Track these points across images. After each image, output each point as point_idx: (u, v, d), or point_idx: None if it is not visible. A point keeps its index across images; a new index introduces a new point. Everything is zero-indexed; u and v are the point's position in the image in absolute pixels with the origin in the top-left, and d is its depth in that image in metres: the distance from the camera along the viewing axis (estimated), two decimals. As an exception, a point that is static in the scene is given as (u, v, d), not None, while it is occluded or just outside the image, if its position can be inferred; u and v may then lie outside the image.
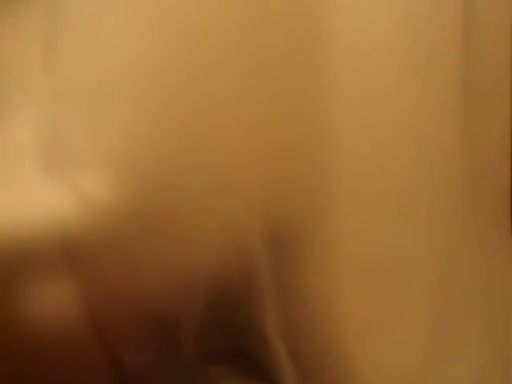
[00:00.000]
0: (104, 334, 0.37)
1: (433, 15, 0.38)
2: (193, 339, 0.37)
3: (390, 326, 0.39)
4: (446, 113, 0.39)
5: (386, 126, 0.38)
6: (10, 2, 0.36)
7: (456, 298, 0.40)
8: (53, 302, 0.36)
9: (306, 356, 0.38)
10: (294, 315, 0.38)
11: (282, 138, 0.37)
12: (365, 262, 0.38)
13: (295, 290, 0.38)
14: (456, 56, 0.38)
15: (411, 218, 0.39)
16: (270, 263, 0.37)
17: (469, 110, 0.39)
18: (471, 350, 0.40)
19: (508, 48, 0.40)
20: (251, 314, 0.37)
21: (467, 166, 0.39)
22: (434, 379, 0.39)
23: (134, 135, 0.36)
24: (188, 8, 0.37)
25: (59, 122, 0.36)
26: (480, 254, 0.40)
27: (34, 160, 0.36)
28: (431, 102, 0.39)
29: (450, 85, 0.39)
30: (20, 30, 0.36)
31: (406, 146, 0.38)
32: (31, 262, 0.36)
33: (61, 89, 0.36)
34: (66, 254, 0.36)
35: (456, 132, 0.39)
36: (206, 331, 0.37)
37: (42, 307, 0.36)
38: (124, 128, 0.36)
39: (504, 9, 0.40)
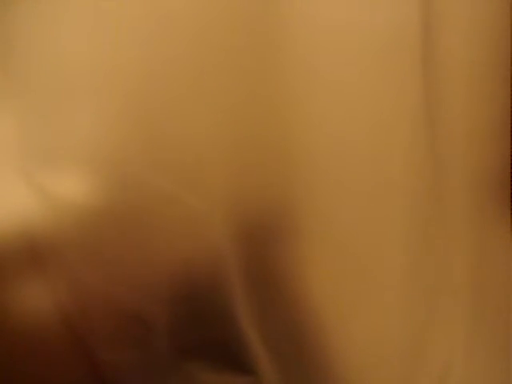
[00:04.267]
0: (77, 331, 0.37)
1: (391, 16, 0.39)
2: (166, 334, 0.37)
3: (366, 309, 0.39)
4: (408, 106, 0.39)
5: (349, 117, 0.38)
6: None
7: (429, 282, 0.39)
8: (23, 300, 0.37)
9: (281, 344, 0.38)
10: (266, 304, 0.38)
11: (245, 132, 0.38)
12: (338, 248, 0.38)
13: (266, 280, 0.38)
14: (416, 56, 0.39)
15: (386, 204, 0.39)
16: (238, 255, 0.37)
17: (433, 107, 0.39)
18: (448, 330, 0.39)
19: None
20: (222, 305, 0.37)
21: (431, 156, 0.39)
22: (414, 361, 0.39)
23: (100, 135, 0.37)
24: (149, 7, 0.37)
25: (25, 124, 0.37)
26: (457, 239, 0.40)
27: (3, 162, 0.37)
28: (391, 92, 0.39)
29: (410, 76, 0.39)
30: None
31: (370, 133, 0.38)
32: None
33: (22, 91, 0.37)
34: (34, 252, 0.36)
35: (418, 120, 0.39)
36: (179, 326, 0.37)
37: (13, 306, 0.36)
38: (89, 128, 0.37)
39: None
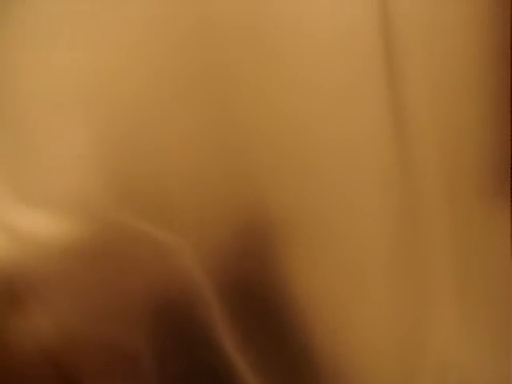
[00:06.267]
0: (62, 369, 0.37)
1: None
2: (152, 362, 0.38)
3: (359, 316, 0.39)
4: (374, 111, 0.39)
5: (314, 121, 0.39)
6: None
7: (419, 279, 0.40)
8: (5, 343, 0.37)
9: (270, 365, 0.39)
10: (251, 327, 0.38)
11: (213, 161, 0.38)
12: (324, 258, 0.39)
13: (248, 302, 0.38)
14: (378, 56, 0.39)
15: (373, 200, 0.39)
16: (213, 282, 0.38)
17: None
18: (443, 325, 0.40)
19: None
20: (204, 333, 0.38)
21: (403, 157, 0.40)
22: (412, 355, 0.40)
23: (68, 174, 0.37)
24: (125, 20, 0.37)
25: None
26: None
27: None
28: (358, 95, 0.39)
29: (375, 79, 0.39)
30: None
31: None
32: None
33: None
34: (12, 292, 0.36)
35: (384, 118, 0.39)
36: (165, 355, 0.38)
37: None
38: (58, 168, 0.37)
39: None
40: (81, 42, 0.37)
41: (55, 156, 0.37)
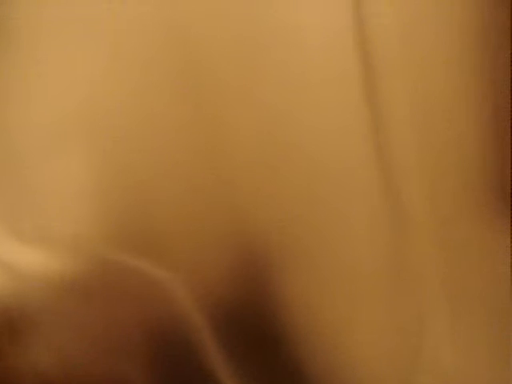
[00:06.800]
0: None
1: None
2: None
3: (358, 335, 0.40)
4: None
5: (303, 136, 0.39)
6: None
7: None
8: (6, 375, 0.38)
9: None
10: (245, 355, 0.39)
11: (207, 174, 0.38)
12: (317, 277, 0.39)
13: (241, 330, 0.39)
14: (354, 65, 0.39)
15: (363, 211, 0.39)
16: (205, 313, 0.38)
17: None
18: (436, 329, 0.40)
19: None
20: (199, 358, 0.38)
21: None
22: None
23: (63, 210, 0.38)
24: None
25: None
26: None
27: None
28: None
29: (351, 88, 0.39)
30: None
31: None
32: None
33: None
34: (11, 325, 0.37)
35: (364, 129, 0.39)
36: (160, 382, 0.38)
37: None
38: (52, 203, 0.38)
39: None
40: (74, 76, 0.38)
41: (48, 194, 0.38)
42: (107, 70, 0.37)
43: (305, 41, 0.38)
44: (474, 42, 0.39)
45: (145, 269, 0.38)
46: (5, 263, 0.37)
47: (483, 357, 0.41)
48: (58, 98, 0.37)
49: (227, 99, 0.38)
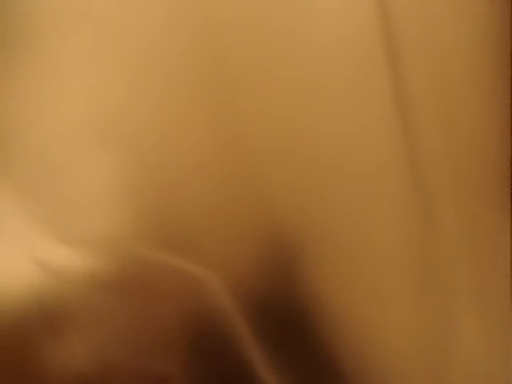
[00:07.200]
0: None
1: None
2: None
3: (385, 329, 0.41)
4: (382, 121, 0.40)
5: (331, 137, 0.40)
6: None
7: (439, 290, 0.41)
8: (44, 370, 0.38)
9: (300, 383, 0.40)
10: (281, 347, 0.40)
11: (233, 169, 0.40)
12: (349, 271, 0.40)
13: (278, 323, 0.40)
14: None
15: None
16: (242, 308, 0.39)
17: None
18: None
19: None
20: (235, 352, 0.39)
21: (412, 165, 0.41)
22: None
23: (99, 211, 0.39)
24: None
25: (27, 199, 0.39)
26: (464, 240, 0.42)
27: (9, 237, 0.38)
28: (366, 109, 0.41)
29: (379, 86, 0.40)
30: None
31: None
32: (16, 333, 0.37)
33: (22, 165, 0.39)
34: (50, 321, 0.38)
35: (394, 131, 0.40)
36: (198, 378, 0.39)
37: (35, 376, 0.38)
38: (88, 204, 0.39)
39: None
40: (105, 77, 0.39)
41: (84, 196, 0.39)
42: (137, 72, 0.39)
43: (326, 30, 0.39)
44: (499, 33, 0.41)
45: (179, 265, 0.39)
46: (45, 263, 0.38)
47: (509, 352, 0.41)
48: (92, 100, 0.39)
49: (249, 93, 0.39)
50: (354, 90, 0.40)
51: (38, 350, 0.38)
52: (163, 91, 0.39)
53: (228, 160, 0.40)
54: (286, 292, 0.40)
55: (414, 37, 0.40)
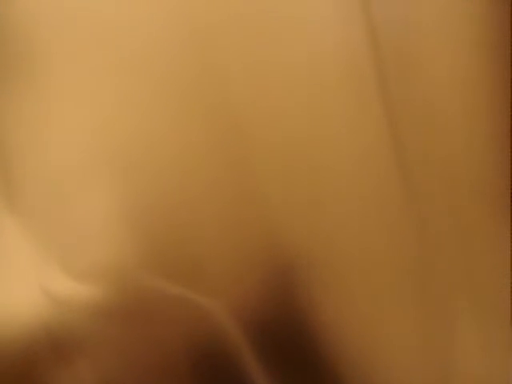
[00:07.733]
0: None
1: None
2: None
3: (387, 348, 0.41)
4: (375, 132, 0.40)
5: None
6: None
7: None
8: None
9: None
10: (283, 366, 0.40)
11: (234, 193, 0.40)
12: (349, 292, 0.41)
13: (280, 344, 0.40)
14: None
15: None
16: (245, 331, 0.40)
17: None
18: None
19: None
20: (240, 376, 0.40)
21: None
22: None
23: (102, 239, 0.39)
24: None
25: (36, 234, 0.39)
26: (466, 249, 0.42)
27: (19, 271, 0.39)
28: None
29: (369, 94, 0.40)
30: None
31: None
32: (24, 359, 0.38)
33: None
34: (57, 349, 0.39)
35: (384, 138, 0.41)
36: None
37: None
38: (93, 231, 0.40)
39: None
40: (101, 103, 0.39)
41: (87, 224, 0.39)
42: (134, 97, 0.39)
43: (315, 38, 0.39)
44: (486, 38, 0.40)
45: (182, 292, 0.40)
46: (51, 293, 0.39)
47: (508, 359, 0.42)
48: (95, 126, 0.39)
49: (250, 115, 0.39)
50: (344, 98, 0.40)
51: (45, 376, 0.39)
52: (165, 116, 0.39)
53: (232, 184, 0.40)
54: (288, 314, 0.41)
55: (400, 39, 0.40)
